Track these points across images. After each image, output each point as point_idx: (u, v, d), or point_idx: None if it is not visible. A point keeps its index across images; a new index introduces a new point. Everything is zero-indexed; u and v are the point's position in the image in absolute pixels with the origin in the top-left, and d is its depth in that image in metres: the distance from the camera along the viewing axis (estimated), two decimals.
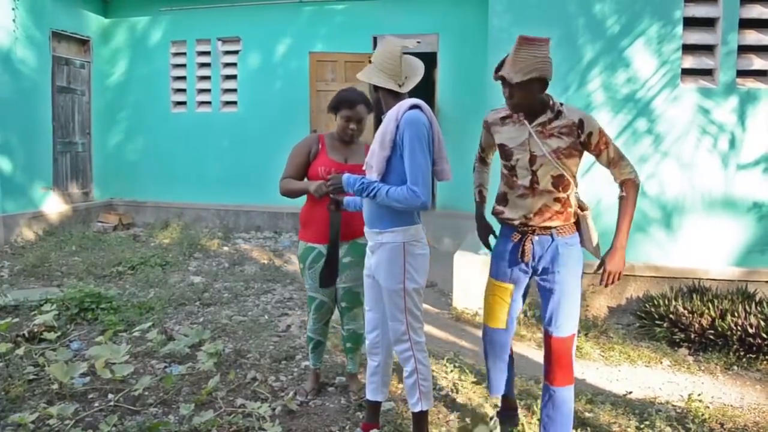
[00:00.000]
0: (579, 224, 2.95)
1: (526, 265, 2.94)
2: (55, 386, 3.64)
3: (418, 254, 2.90)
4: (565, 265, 2.86)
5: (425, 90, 10.58)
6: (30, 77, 8.64)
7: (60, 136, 9.30)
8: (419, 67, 2.93)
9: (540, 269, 2.93)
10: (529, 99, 2.75)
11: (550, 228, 2.87)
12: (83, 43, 9.83)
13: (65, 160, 9.47)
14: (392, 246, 2.87)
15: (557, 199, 2.85)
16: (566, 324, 2.86)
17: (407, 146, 2.73)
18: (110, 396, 3.64)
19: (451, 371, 4.09)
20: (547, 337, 2.92)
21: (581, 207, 2.96)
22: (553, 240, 2.87)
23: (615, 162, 2.82)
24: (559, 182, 2.83)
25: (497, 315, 3.07)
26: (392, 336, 2.99)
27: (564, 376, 2.87)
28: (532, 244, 2.90)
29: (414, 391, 2.97)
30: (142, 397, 3.62)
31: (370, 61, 2.91)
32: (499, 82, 2.82)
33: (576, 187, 2.91)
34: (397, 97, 2.90)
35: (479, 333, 5.13)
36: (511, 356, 3.24)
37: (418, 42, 3.01)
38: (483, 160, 3.31)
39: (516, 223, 2.94)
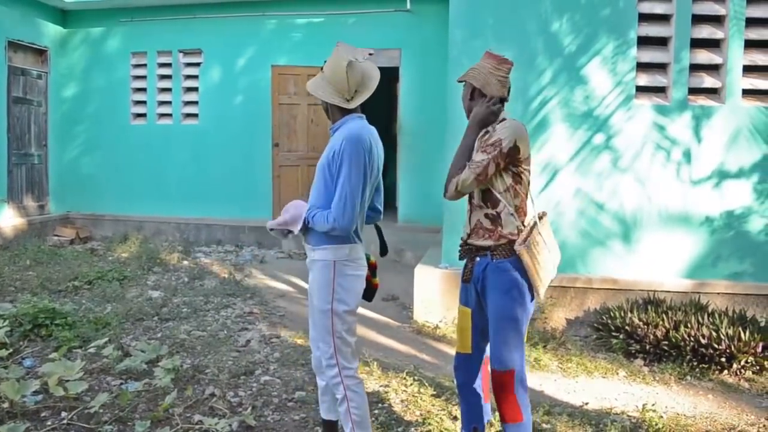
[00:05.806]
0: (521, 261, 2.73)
1: (474, 287, 2.84)
2: (6, 405, 3.53)
3: (349, 275, 2.77)
4: (495, 291, 2.73)
5: (388, 104, 10.74)
6: None
7: (15, 147, 9.10)
8: (372, 79, 2.79)
9: (480, 292, 2.83)
10: (465, 102, 2.93)
11: (486, 249, 2.77)
12: (40, 53, 9.66)
13: (20, 172, 9.26)
14: (323, 264, 2.76)
15: (488, 216, 2.79)
16: (502, 356, 2.71)
17: (345, 162, 2.65)
18: (63, 414, 3.55)
19: (411, 384, 4.09)
20: (490, 368, 2.80)
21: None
22: (488, 264, 2.76)
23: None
24: (488, 197, 2.78)
25: (462, 339, 2.96)
26: (322, 361, 2.83)
27: (509, 413, 2.73)
28: (473, 264, 2.83)
29: (347, 420, 2.81)
30: (97, 414, 3.54)
31: (321, 69, 2.79)
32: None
33: (510, 206, 2.75)
34: (344, 112, 2.80)
35: (440, 346, 5.21)
36: (475, 389, 2.98)
37: (371, 53, 2.80)
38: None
39: (463, 242, 2.92)
